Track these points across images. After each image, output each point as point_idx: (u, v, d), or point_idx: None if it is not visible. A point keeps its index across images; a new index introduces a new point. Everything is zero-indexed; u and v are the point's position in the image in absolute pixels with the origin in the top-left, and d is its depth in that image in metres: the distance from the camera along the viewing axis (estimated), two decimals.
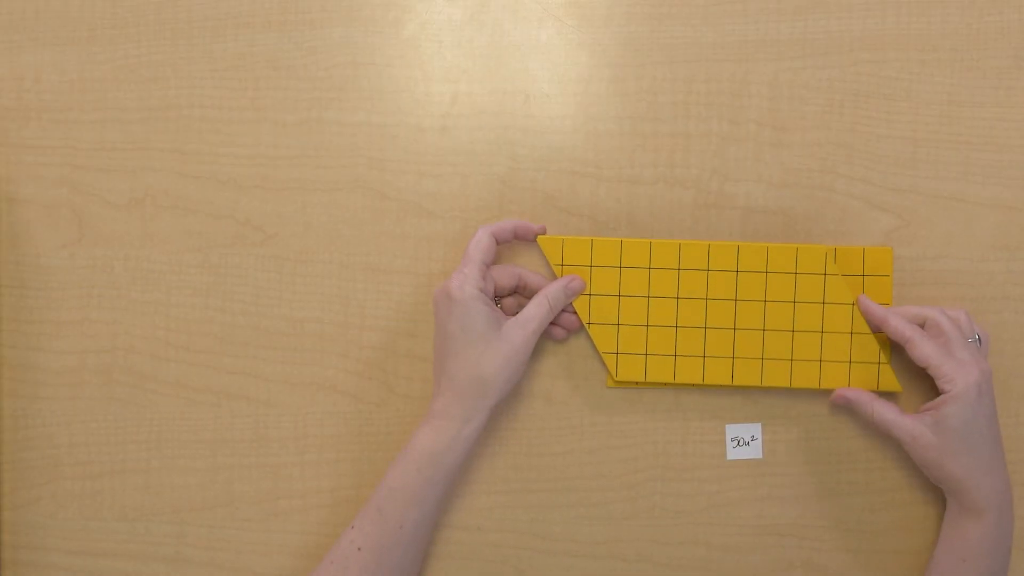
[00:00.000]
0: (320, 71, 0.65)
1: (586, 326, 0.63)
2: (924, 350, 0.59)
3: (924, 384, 0.63)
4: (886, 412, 0.60)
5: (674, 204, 0.65)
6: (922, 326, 0.61)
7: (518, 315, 0.60)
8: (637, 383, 0.64)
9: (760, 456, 0.64)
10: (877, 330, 0.62)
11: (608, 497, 0.65)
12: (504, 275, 0.62)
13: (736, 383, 0.63)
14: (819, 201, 0.64)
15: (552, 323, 0.63)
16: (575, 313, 0.63)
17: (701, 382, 0.63)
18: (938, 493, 0.64)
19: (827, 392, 0.64)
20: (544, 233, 0.64)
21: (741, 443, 0.64)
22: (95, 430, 0.65)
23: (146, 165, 0.65)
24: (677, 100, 0.65)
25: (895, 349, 0.63)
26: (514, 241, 0.63)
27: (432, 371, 0.62)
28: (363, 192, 0.65)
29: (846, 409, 0.64)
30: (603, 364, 0.64)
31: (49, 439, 0.65)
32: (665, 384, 0.64)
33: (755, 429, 0.64)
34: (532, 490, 0.65)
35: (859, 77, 0.64)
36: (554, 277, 0.63)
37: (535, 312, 0.61)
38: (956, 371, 0.58)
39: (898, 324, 0.60)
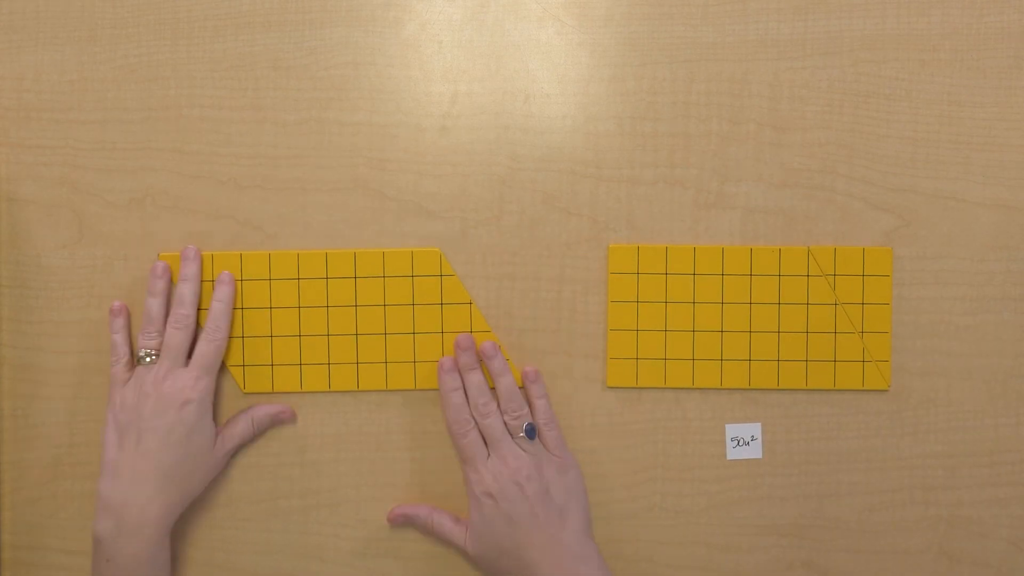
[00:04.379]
0: (320, 71, 0.65)
1: (239, 339, 0.64)
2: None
3: (921, 384, 0.63)
4: (444, 522, 0.62)
5: (674, 204, 0.65)
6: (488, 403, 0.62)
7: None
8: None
9: (760, 456, 0.64)
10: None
11: (608, 497, 0.65)
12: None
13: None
14: (819, 201, 0.64)
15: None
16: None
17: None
18: (938, 493, 0.64)
19: (826, 392, 0.64)
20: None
21: (741, 443, 0.64)
22: (95, 430, 0.65)
23: (146, 165, 0.65)
24: (677, 100, 0.65)
25: (895, 350, 0.63)
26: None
27: None
28: (363, 192, 0.65)
29: (846, 408, 0.64)
30: (604, 365, 0.64)
31: (49, 439, 0.65)
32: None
33: (755, 429, 0.64)
34: None
35: (859, 77, 0.64)
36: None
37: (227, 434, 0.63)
38: (473, 479, 0.60)
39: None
